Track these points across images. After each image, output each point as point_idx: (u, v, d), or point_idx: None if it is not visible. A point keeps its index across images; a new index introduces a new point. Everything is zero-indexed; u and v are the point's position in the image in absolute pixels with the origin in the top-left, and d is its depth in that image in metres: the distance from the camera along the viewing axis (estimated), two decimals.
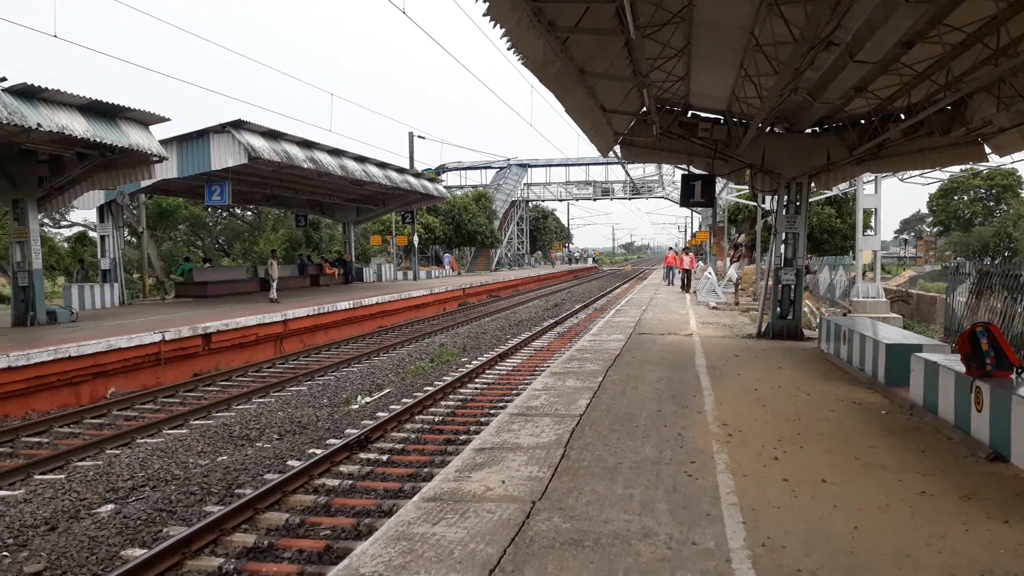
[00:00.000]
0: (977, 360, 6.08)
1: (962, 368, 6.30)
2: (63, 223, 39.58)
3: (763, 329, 13.82)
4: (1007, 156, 12.48)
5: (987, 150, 12.29)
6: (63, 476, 7.86)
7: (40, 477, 7.94)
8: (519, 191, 68.40)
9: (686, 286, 28.44)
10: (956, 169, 25.76)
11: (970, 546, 3.97)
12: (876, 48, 8.30)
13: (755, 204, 30.52)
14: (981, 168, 41.55)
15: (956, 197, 65.77)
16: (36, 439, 9.74)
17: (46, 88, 12.76)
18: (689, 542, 3.99)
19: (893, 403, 7.67)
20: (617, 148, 14.27)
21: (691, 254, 30.64)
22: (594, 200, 71.50)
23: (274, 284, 21.40)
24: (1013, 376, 5.97)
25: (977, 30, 7.91)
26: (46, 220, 36.21)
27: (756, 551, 3.87)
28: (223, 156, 18.59)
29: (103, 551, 5.85)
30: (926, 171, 20.78)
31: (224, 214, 44.64)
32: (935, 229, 74.82)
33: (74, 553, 5.79)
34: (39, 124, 12.48)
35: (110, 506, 6.94)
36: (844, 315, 18.61)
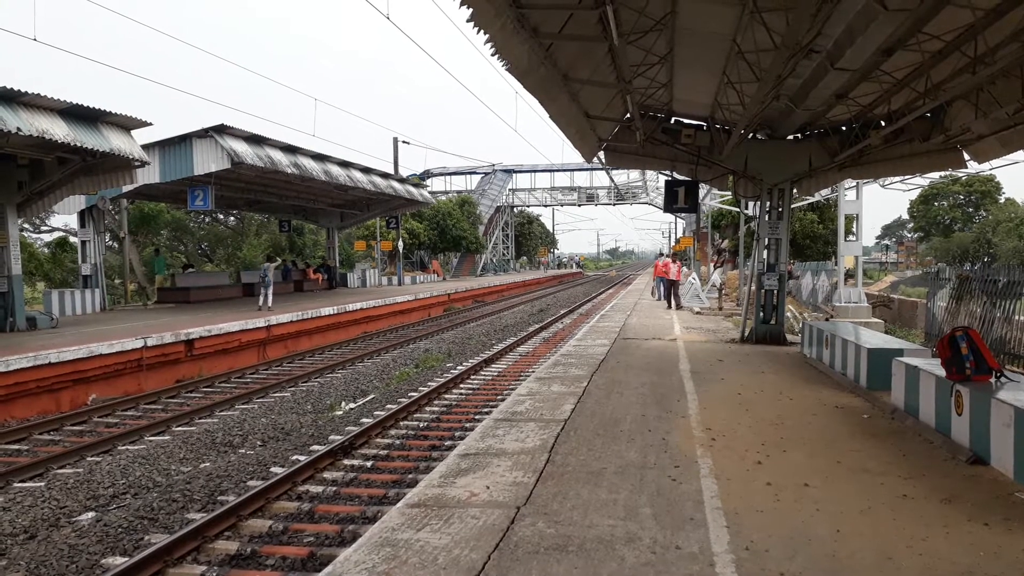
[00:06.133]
0: (957, 364, 6.15)
1: (942, 372, 6.36)
2: (43, 228, 39.17)
3: (746, 334, 13.89)
4: (985, 163, 12.67)
5: (966, 157, 12.45)
6: (43, 484, 7.76)
7: (19, 485, 7.83)
8: (504, 196, 68.51)
9: (673, 302, 22.86)
10: (936, 175, 26.11)
11: (951, 549, 4.01)
12: (856, 56, 8.40)
13: (738, 210, 30.74)
14: (960, 174, 42.10)
15: (936, 203, 66.55)
16: (15, 446, 9.62)
17: (26, 92, 12.63)
18: (673, 546, 4.00)
19: (875, 407, 7.73)
20: (601, 154, 14.33)
21: (678, 262, 24.73)
22: (579, 206, 71.78)
23: (270, 291, 20.58)
24: (992, 380, 6.04)
25: (955, 38, 8.02)
26: (26, 225, 35.81)
27: (740, 555, 3.88)
28: (206, 161, 18.49)
29: (83, 559, 5.78)
30: (907, 177, 21.07)
31: (207, 219, 44.32)
32: (916, 235, 75.63)
33: (54, 562, 5.72)
34: (19, 128, 12.35)
35: (91, 514, 6.87)
36: (826, 320, 18.76)
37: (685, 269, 31.62)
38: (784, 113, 11.75)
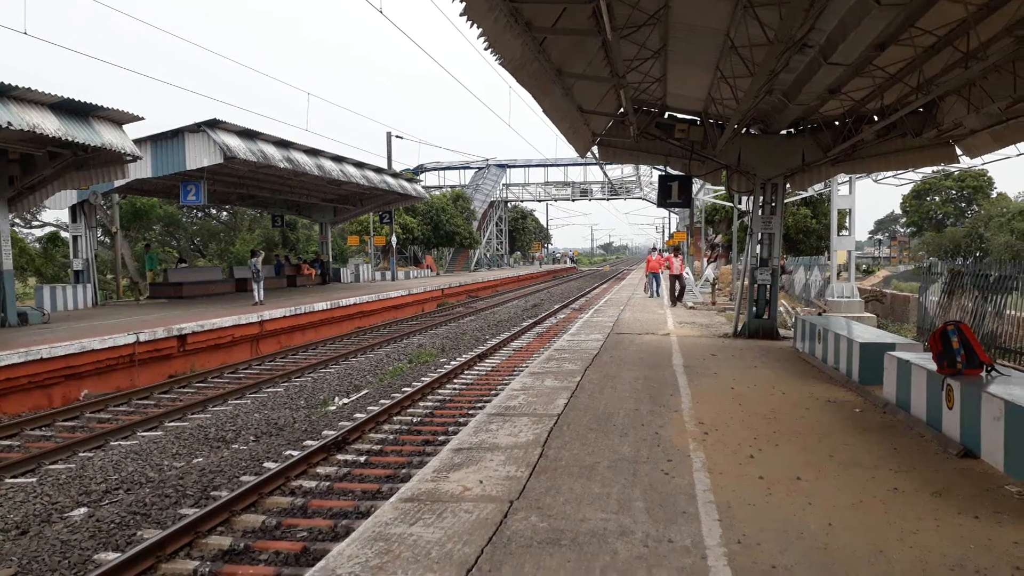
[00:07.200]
0: (948, 358, 6.17)
1: (934, 366, 6.38)
2: (34, 223, 38.95)
3: (739, 328, 13.93)
4: (977, 158, 12.71)
5: (958, 152, 12.49)
6: (35, 480, 7.73)
7: (11, 480, 7.80)
8: (498, 191, 68.43)
9: (678, 297, 22.47)
10: (928, 170, 26.18)
11: (941, 541, 4.03)
12: (849, 50, 8.40)
13: (731, 205, 30.77)
14: (952, 170, 42.26)
15: (928, 198, 66.85)
16: (6, 442, 9.57)
17: (16, 86, 12.55)
18: (666, 540, 4.01)
19: (867, 401, 7.76)
20: (595, 149, 14.31)
21: (679, 256, 23.70)
22: (572, 201, 71.67)
23: (260, 285, 20.33)
24: (983, 374, 6.06)
25: (948, 33, 8.03)
26: (17, 220, 35.59)
27: (732, 548, 3.90)
28: (198, 156, 18.39)
29: (76, 555, 5.77)
30: (899, 172, 21.11)
31: (199, 214, 44.17)
32: (908, 230, 75.99)
33: (46, 557, 5.70)
34: (9, 123, 12.27)
35: (83, 509, 6.85)
36: (819, 315, 18.82)
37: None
38: (777, 108, 11.76)
